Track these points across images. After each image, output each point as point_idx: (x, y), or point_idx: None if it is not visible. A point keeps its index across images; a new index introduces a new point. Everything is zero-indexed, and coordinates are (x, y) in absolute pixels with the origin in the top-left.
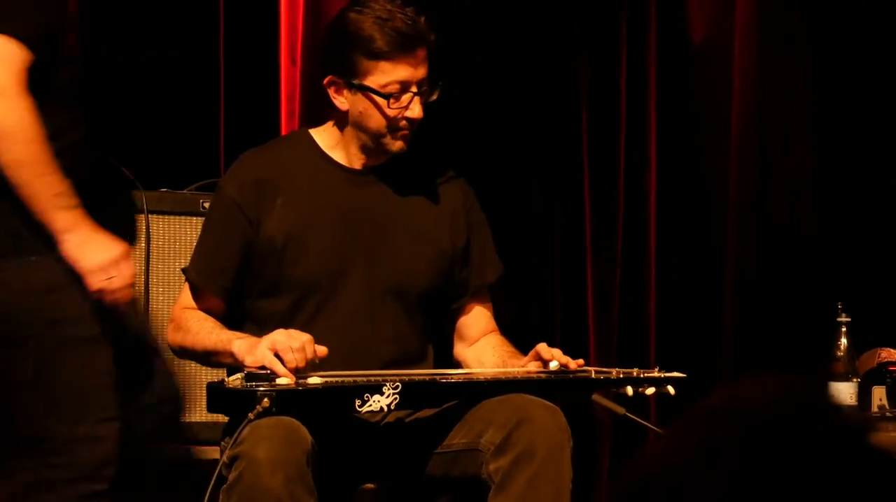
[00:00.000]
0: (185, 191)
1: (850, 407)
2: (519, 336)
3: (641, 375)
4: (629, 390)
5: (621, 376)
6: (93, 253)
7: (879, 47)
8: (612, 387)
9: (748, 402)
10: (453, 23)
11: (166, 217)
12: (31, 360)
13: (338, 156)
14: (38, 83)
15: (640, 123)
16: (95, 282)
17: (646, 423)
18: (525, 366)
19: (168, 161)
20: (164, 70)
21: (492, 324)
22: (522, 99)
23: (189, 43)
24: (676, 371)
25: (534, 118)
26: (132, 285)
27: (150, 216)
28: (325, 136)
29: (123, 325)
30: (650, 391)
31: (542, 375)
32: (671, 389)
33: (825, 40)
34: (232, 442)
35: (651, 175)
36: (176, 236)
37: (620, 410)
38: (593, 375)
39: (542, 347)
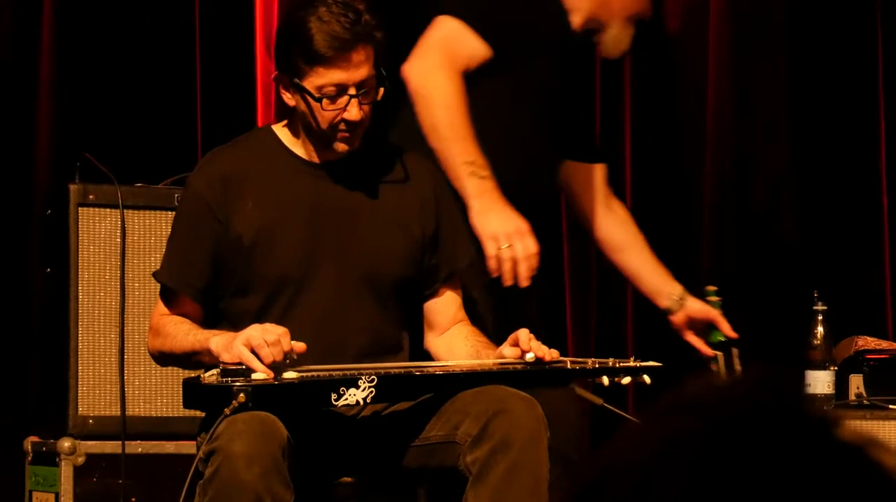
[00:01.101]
0: (160, 186)
1: (817, 400)
2: (497, 327)
3: (617, 365)
4: (605, 380)
5: (597, 366)
6: (491, 221)
7: (855, 38)
8: (588, 377)
9: (714, 395)
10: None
11: (142, 212)
12: None
13: (300, 150)
14: (500, 69)
15: (614, 115)
16: (491, 247)
17: (623, 413)
18: (500, 351)
19: (144, 155)
20: (139, 63)
21: (461, 312)
22: None
23: (164, 36)
24: (653, 360)
25: None
26: (534, 263)
27: (125, 211)
28: (287, 132)
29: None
30: (626, 380)
31: (518, 366)
32: (647, 378)
33: (801, 31)
34: (208, 437)
35: (626, 163)
36: (152, 231)
37: (598, 401)
38: (569, 365)
39: (522, 334)
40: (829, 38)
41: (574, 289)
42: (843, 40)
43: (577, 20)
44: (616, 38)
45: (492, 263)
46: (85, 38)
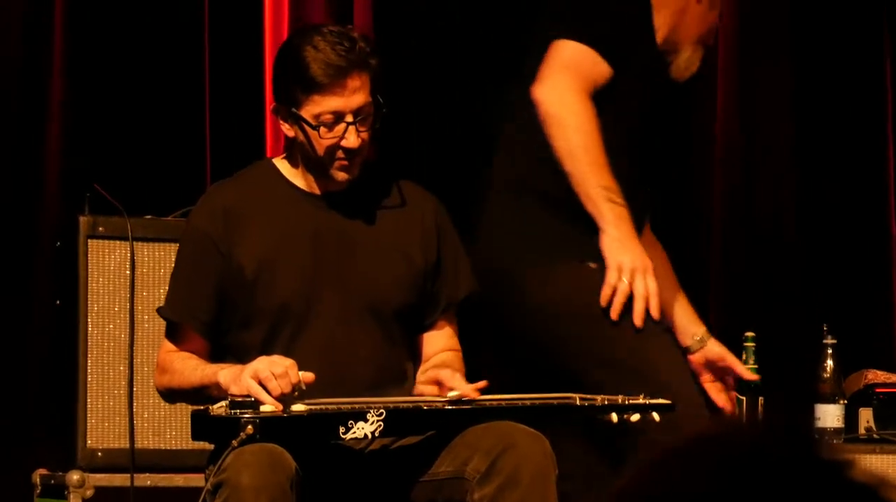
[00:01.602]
0: (170, 218)
1: (826, 434)
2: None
3: (626, 402)
4: (614, 417)
5: (606, 403)
6: (623, 252)
7: (861, 58)
8: (597, 414)
9: (726, 436)
10: (438, 42)
11: (151, 243)
12: (574, 351)
13: (300, 182)
14: (608, 93)
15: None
16: (613, 276)
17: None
18: (422, 390)
19: (153, 187)
20: (148, 95)
21: (451, 342)
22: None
23: (173, 67)
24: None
25: None
26: (651, 304)
27: (134, 243)
28: (287, 164)
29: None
30: (635, 418)
31: (527, 402)
32: (656, 416)
33: (806, 51)
34: (216, 469)
35: None
36: (161, 263)
37: None
38: (578, 402)
39: (444, 373)
40: (834, 56)
41: None
42: (849, 58)
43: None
44: (688, 61)
45: (606, 291)
46: (94, 70)
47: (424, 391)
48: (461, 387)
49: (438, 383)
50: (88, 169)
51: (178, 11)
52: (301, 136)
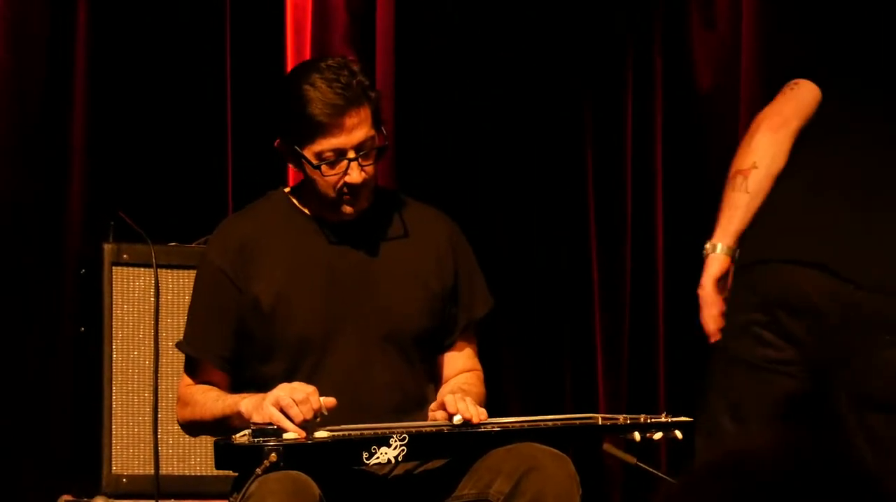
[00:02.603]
0: (193, 245)
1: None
2: (529, 384)
3: (649, 421)
4: (636, 435)
5: (628, 422)
6: None
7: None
8: (619, 433)
9: (754, 459)
10: (459, 66)
11: (175, 271)
12: None
13: (314, 212)
14: None
15: (647, 170)
16: None
17: (656, 472)
18: (433, 415)
19: (176, 215)
20: (171, 123)
21: (471, 362)
22: (528, 147)
23: (195, 95)
24: (685, 416)
25: (539, 166)
26: None
27: (158, 270)
28: (300, 194)
29: None
30: (658, 436)
31: (549, 423)
32: (679, 434)
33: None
34: (240, 496)
35: (658, 221)
36: (185, 290)
37: (631, 460)
38: (601, 422)
39: (448, 398)
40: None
41: (605, 346)
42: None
43: None
44: None
45: None
46: (117, 98)
47: (437, 417)
48: (464, 411)
49: (444, 407)
50: (113, 197)
51: (200, 40)
52: (305, 172)
